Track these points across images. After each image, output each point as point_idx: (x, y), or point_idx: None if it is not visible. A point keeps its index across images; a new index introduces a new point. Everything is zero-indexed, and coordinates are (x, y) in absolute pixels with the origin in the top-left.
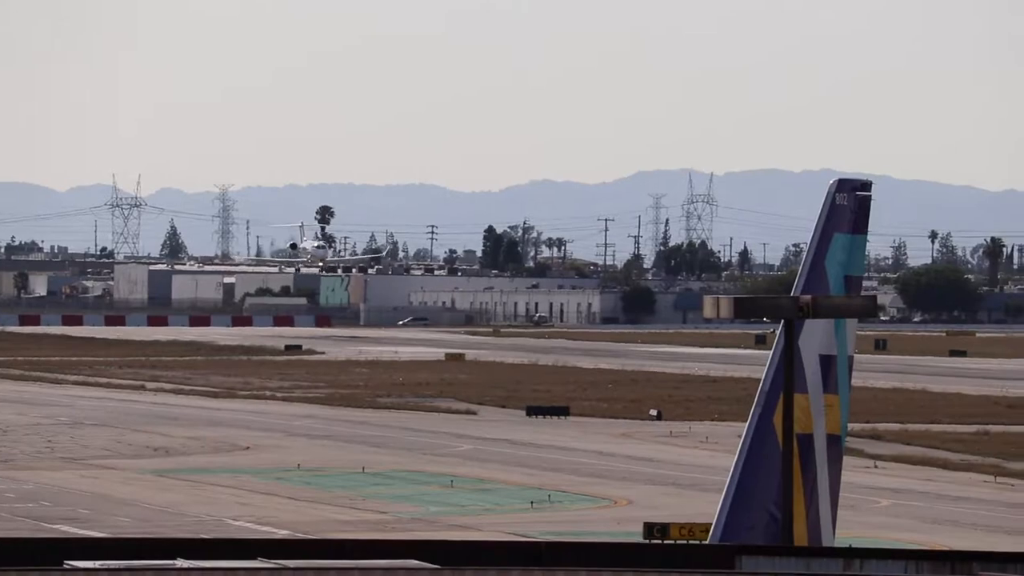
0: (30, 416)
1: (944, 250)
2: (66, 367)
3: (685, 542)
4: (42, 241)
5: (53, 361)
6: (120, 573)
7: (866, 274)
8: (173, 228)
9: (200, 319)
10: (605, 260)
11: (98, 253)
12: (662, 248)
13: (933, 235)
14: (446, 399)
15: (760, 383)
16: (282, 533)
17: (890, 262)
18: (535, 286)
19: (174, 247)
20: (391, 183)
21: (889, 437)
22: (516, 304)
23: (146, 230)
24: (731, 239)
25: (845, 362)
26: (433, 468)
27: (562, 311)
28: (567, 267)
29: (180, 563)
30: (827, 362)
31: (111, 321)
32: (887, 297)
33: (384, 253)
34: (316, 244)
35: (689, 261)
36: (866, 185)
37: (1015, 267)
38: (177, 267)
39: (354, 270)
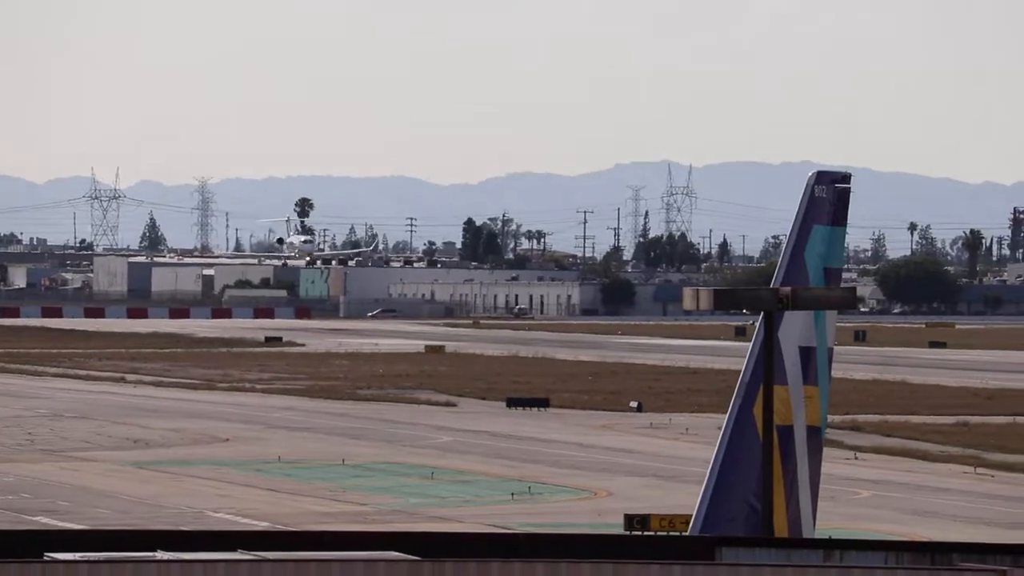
0: (10, 408)
1: (923, 242)
2: (46, 359)
3: (665, 534)
4: (21, 233)
5: (33, 353)
6: (100, 565)
7: (846, 266)
8: (152, 220)
9: (180, 311)
10: (584, 252)
11: (77, 245)
12: (642, 240)
13: (912, 227)
14: (426, 391)
15: (740, 375)
16: (262, 525)
17: (870, 254)
18: (515, 278)
19: (153, 239)
20: (370, 175)
21: (869, 429)
22: (496, 296)
23: (125, 222)
24: (710, 231)
25: (825, 354)
26: (413, 460)
27: (542, 303)
28: (547, 259)
29: (160, 555)
30: (807, 354)
31: (91, 313)
32: (867, 289)
33: (371, 248)
34: (303, 239)
35: (669, 253)
36: (845, 177)
37: (994, 259)
38: (157, 259)
39: (334, 263)
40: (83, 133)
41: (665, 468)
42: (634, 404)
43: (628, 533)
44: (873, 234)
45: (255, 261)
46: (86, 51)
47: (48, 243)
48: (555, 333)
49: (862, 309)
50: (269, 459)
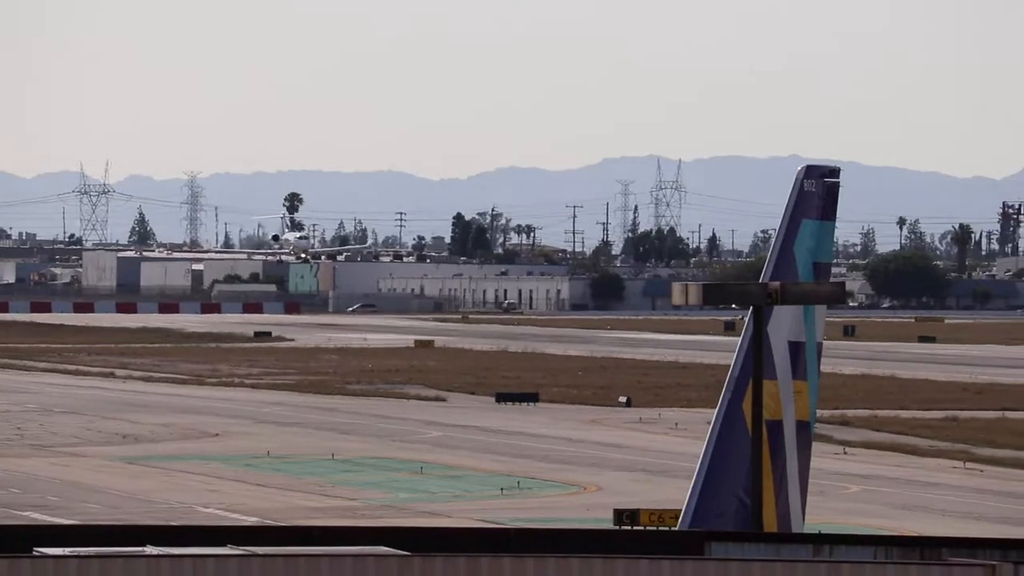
0: None
1: (912, 236)
2: (35, 354)
3: (655, 528)
4: (10, 228)
5: (22, 348)
6: (90, 560)
7: (835, 260)
8: (141, 215)
9: (169, 306)
10: (574, 247)
11: (66, 240)
12: (630, 235)
13: (901, 222)
14: (415, 386)
15: (729, 369)
16: (251, 520)
17: (859, 248)
18: (504, 273)
19: (142, 234)
20: (359, 170)
21: (858, 423)
22: (485, 291)
23: (114, 217)
24: (699, 226)
25: (814, 348)
26: (402, 455)
27: (531, 298)
28: (536, 254)
29: (150, 550)
30: (796, 348)
31: (80, 308)
32: (856, 283)
33: (366, 244)
34: (298, 235)
35: (658, 248)
36: (834, 171)
37: (983, 253)
38: (146, 254)
39: (323, 258)
40: (72, 128)
41: (654, 463)
42: (623, 399)
43: (617, 528)
44: (862, 229)
45: (246, 256)
46: (75, 46)
47: (37, 238)
48: (544, 328)
49: (851, 304)
50: (258, 454)
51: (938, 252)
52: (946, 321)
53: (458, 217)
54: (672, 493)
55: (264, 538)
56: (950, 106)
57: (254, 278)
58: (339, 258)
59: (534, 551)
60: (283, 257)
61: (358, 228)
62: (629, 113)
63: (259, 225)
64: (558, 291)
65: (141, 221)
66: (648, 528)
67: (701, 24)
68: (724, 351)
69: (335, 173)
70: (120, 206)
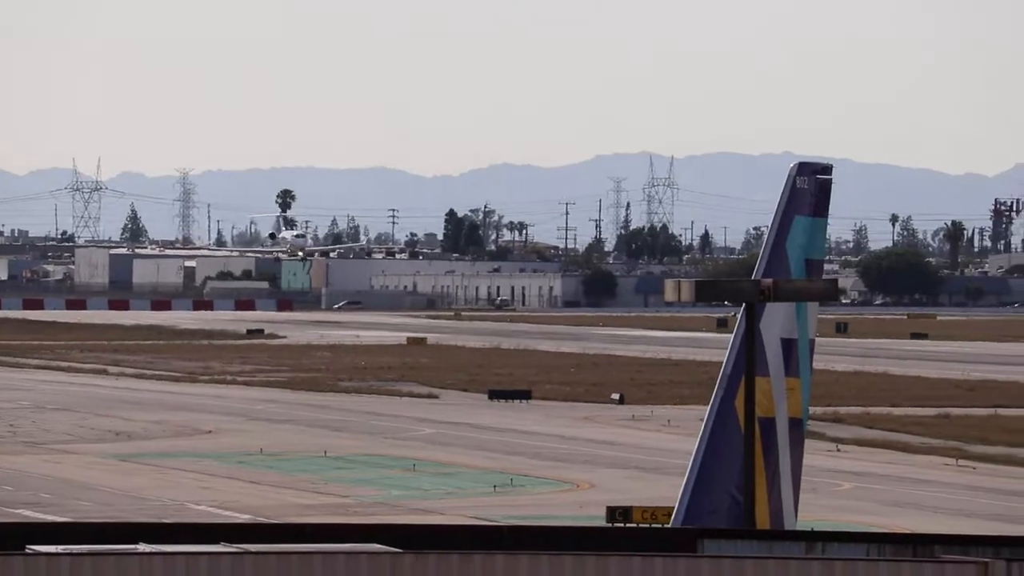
0: None
1: (905, 233)
2: (27, 351)
3: (648, 526)
4: (2, 225)
5: (14, 345)
6: (82, 558)
7: (827, 257)
8: (134, 212)
9: (161, 303)
10: (566, 244)
11: (59, 237)
12: (623, 232)
13: (894, 218)
14: (408, 383)
15: (722, 366)
16: (244, 517)
17: (851, 245)
18: (496, 270)
19: (135, 231)
20: (352, 167)
21: (851, 420)
22: (477, 288)
23: (107, 214)
24: (692, 222)
25: (806, 345)
26: (395, 452)
27: (524, 295)
28: (528, 251)
29: (142, 547)
30: (788, 345)
31: (72, 305)
32: (848, 280)
33: (362, 243)
34: (295, 233)
35: (650, 245)
36: (827, 168)
37: (975, 250)
38: (138, 251)
39: (316, 255)
40: (65, 124)
41: (647, 460)
42: (616, 396)
43: (610, 525)
44: (855, 225)
45: (238, 253)
46: (68, 42)
47: (29, 235)
48: (537, 325)
49: (844, 301)
50: (251, 451)
51: (930, 249)
52: (938, 318)
53: (451, 214)
54: (665, 490)
55: (257, 535)
56: (943, 103)
57: (246, 275)
58: (332, 255)
59: (527, 549)
60: (280, 255)
61: (351, 225)
62: (622, 110)
63: (251, 222)
64: (551, 288)
65: (134, 218)
66: (641, 525)
67: (694, 21)
68: (717, 348)
69: (328, 170)
70: (112, 203)
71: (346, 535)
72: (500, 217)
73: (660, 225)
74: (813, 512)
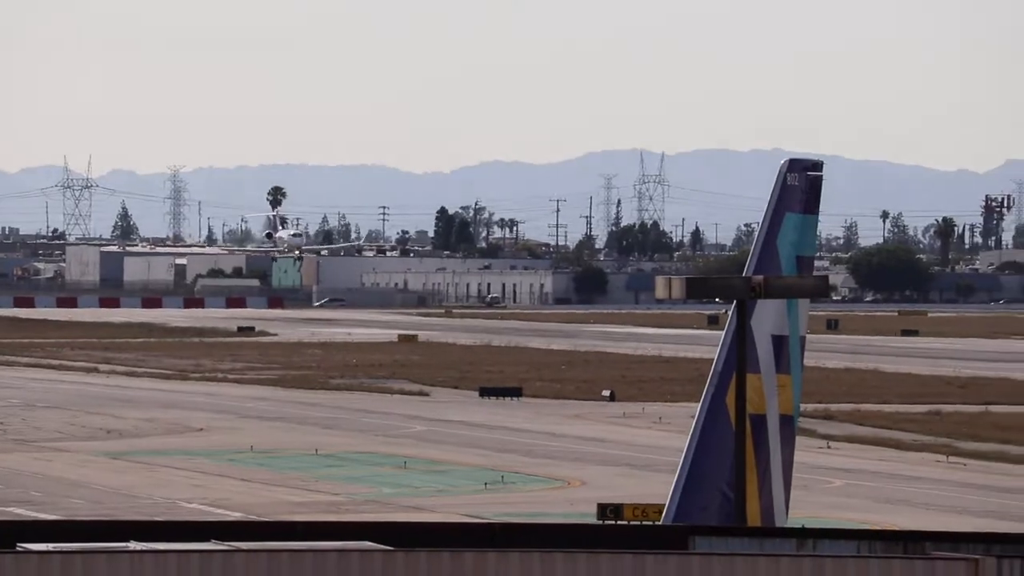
0: None
1: (896, 230)
2: (18, 349)
3: (638, 523)
4: None
5: (5, 343)
6: (73, 556)
7: (818, 254)
8: (124, 209)
9: (152, 301)
10: (557, 241)
11: (49, 235)
12: (614, 229)
13: (884, 215)
14: (399, 380)
15: (713, 363)
16: (235, 515)
17: (842, 242)
18: (487, 267)
19: (125, 229)
20: (343, 164)
21: (841, 417)
22: (468, 285)
23: (98, 211)
24: (683, 219)
25: (797, 342)
26: (386, 449)
27: (514, 292)
28: (519, 248)
29: (133, 545)
30: (779, 342)
31: (63, 303)
32: (839, 277)
33: (359, 242)
34: (292, 232)
35: (641, 241)
36: (817, 165)
37: (966, 247)
38: (129, 249)
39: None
40: (55, 122)
41: (638, 457)
42: (607, 393)
43: (601, 522)
44: (845, 222)
45: (228, 251)
46: (59, 39)
47: (20, 232)
48: (528, 322)
49: (834, 297)
50: (242, 449)
51: (921, 246)
52: (929, 314)
53: (441, 211)
54: (656, 487)
55: (248, 533)
56: (933, 100)
57: (237, 273)
58: (322, 252)
59: (518, 546)
60: (277, 255)
61: (341, 223)
62: (612, 107)
63: (243, 219)
64: (541, 285)
65: (124, 216)
66: (632, 523)
67: (684, 18)
68: (707, 345)
69: (318, 167)
70: (103, 200)
71: (337, 533)
72: (491, 214)
73: (651, 222)
74: (804, 509)
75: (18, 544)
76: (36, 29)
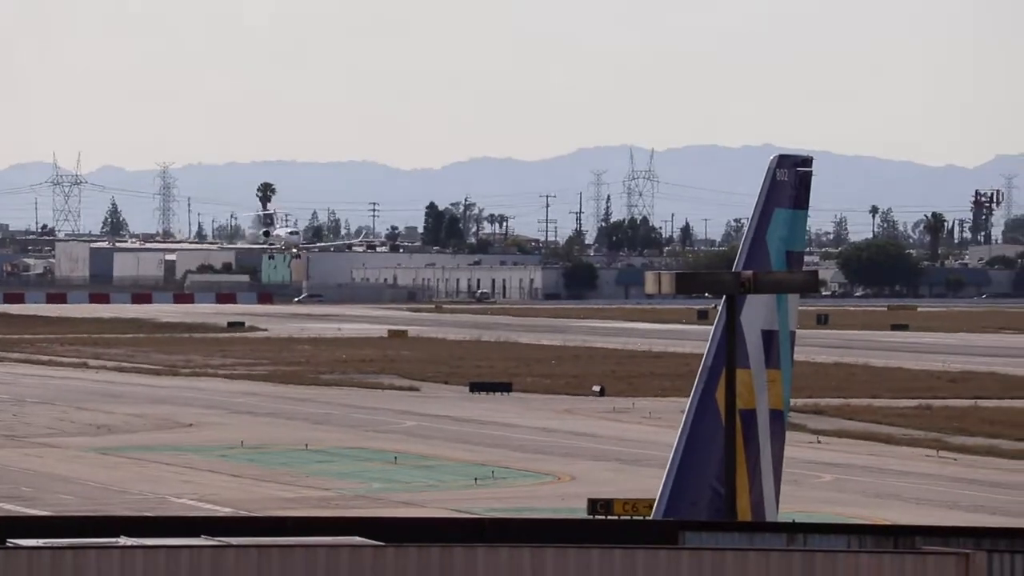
0: None
1: (885, 225)
2: (8, 345)
3: (629, 518)
4: None
5: None
6: (63, 551)
7: (807, 249)
8: (114, 206)
9: (142, 296)
10: (547, 236)
11: (39, 231)
12: (604, 224)
13: (874, 210)
14: (389, 375)
15: (702, 358)
16: (225, 511)
17: (831, 237)
18: (477, 262)
19: (115, 225)
20: (332, 160)
21: (831, 412)
22: (458, 280)
23: (87, 208)
24: (672, 215)
25: (787, 337)
26: (376, 445)
27: (504, 287)
28: (509, 243)
29: (123, 541)
30: (769, 337)
31: (53, 299)
32: (828, 272)
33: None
34: (289, 230)
35: (631, 237)
36: (807, 160)
37: (956, 242)
38: (119, 245)
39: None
40: (44, 118)
41: (628, 452)
42: (597, 388)
43: (591, 517)
44: (835, 217)
45: (218, 247)
46: (48, 35)
47: (9, 228)
48: (517, 317)
49: (824, 292)
50: (232, 444)
51: (911, 240)
52: (919, 309)
53: (431, 207)
54: (646, 482)
55: (238, 529)
56: (923, 95)
57: (227, 268)
58: (316, 250)
59: (508, 541)
60: (274, 253)
61: (331, 219)
62: (602, 103)
63: (232, 215)
64: (531, 280)
65: (114, 212)
66: (622, 518)
67: (675, 14)
68: (697, 340)
69: (308, 163)
70: (93, 197)
71: (327, 528)
72: (481, 210)
73: (641, 217)
74: (794, 504)
75: (8, 540)
76: (24, 25)
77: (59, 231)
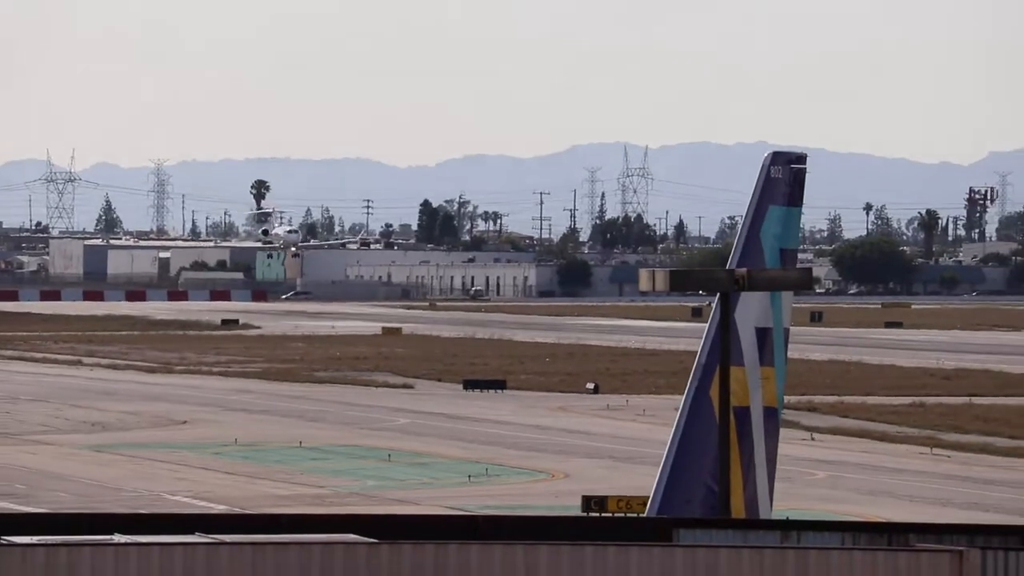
0: None
1: (879, 222)
2: (2, 342)
3: (623, 515)
4: None
5: None
6: (57, 548)
7: (801, 247)
8: (108, 203)
9: (136, 294)
10: (541, 233)
11: (33, 228)
12: (598, 221)
13: (868, 207)
14: (383, 373)
15: (697, 356)
16: (220, 508)
17: (825, 234)
18: (471, 260)
19: (109, 222)
20: (327, 157)
21: (825, 409)
22: (452, 278)
23: (81, 205)
24: (667, 212)
25: (781, 334)
26: (370, 442)
27: (498, 284)
28: (503, 241)
29: (118, 538)
30: (763, 334)
31: (47, 296)
32: (822, 269)
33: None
34: (288, 229)
35: (625, 234)
36: (801, 158)
37: (949, 239)
38: (113, 242)
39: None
40: (39, 115)
41: (622, 450)
42: (591, 385)
43: (585, 515)
44: (829, 215)
45: (212, 244)
46: (41, 32)
47: (3, 226)
48: (512, 315)
49: (818, 290)
50: (226, 442)
51: (905, 238)
52: (913, 307)
53: (425, 204)
54: (640, 480)
55: (232, 526)
56: (917, 92)
57: (221, 266)
58: (311, 247)
59: (502, 538)
60: (273, 252)
61: (325, 215)
62: (597, 100)
63: (226, 212)
64: (525, 278)
65: (108, 209)
66: (616, 515)
67: (668, 11)
68: (691, 337)
69: (302, 160)
70: (87, 194)
71: (322, 526)
72: (475, 207)
73: (635, 215)
74: (788, 501)
75: (2, 537)
76: (18, 23)
77: (53, 228)
